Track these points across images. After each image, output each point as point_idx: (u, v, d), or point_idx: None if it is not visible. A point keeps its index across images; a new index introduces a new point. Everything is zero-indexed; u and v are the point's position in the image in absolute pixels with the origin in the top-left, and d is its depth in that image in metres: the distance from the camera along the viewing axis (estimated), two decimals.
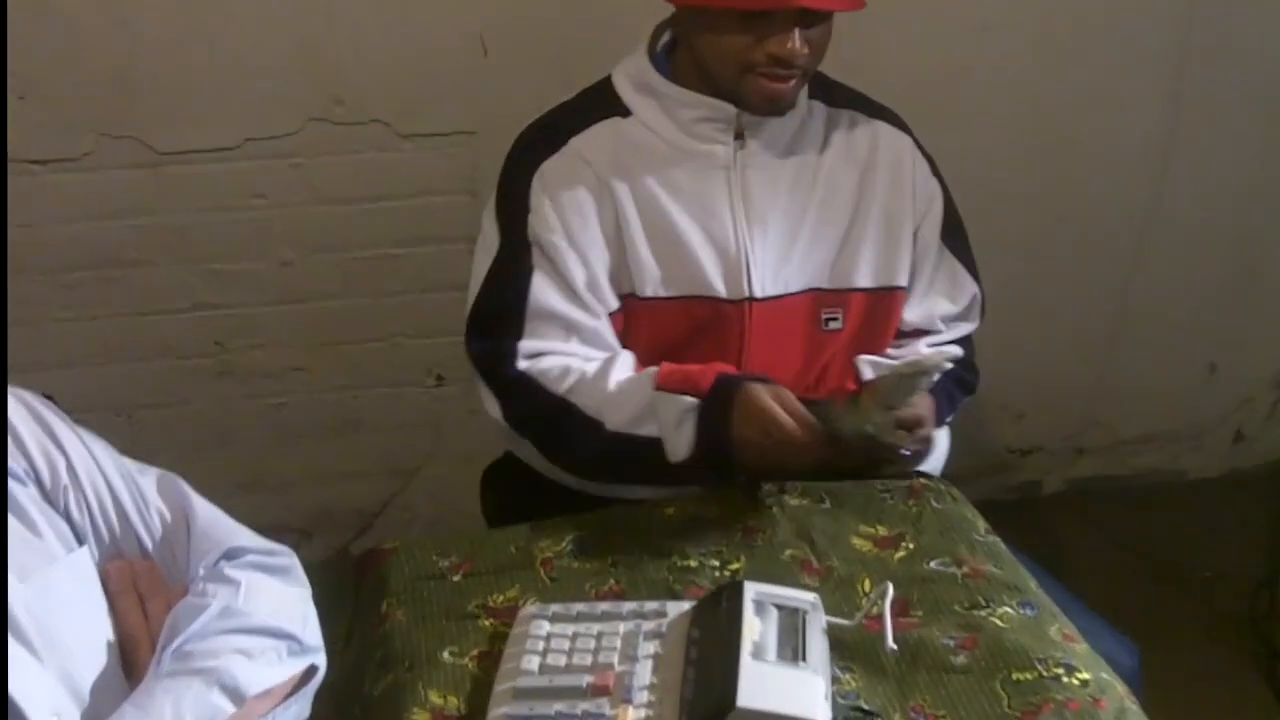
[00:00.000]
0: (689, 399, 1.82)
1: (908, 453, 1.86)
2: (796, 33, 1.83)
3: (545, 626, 1.54)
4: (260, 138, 2.83)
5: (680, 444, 1.82)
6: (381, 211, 2.94)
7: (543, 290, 1.94)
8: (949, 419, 2.11)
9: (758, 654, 1.44)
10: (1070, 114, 3.19)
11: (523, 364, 1.93)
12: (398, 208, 2.94)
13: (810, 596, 1.55)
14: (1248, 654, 3.12)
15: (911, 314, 2.11)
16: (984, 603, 1.62)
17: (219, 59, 2.74)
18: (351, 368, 3.09)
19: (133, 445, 2.93)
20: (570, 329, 1.96)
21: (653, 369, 1.90)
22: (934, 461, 2.06)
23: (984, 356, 3.25)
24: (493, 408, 1.98)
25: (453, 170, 2.89)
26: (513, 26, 2.82)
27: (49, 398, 2.84)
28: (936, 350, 2.01)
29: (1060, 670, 1.50)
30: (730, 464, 1.81)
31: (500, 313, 1.96)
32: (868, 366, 2.04)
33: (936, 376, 1.89)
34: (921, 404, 1.92)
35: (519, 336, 1.94)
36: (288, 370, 3.06)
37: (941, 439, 2.08)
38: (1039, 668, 1.50)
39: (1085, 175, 3.27)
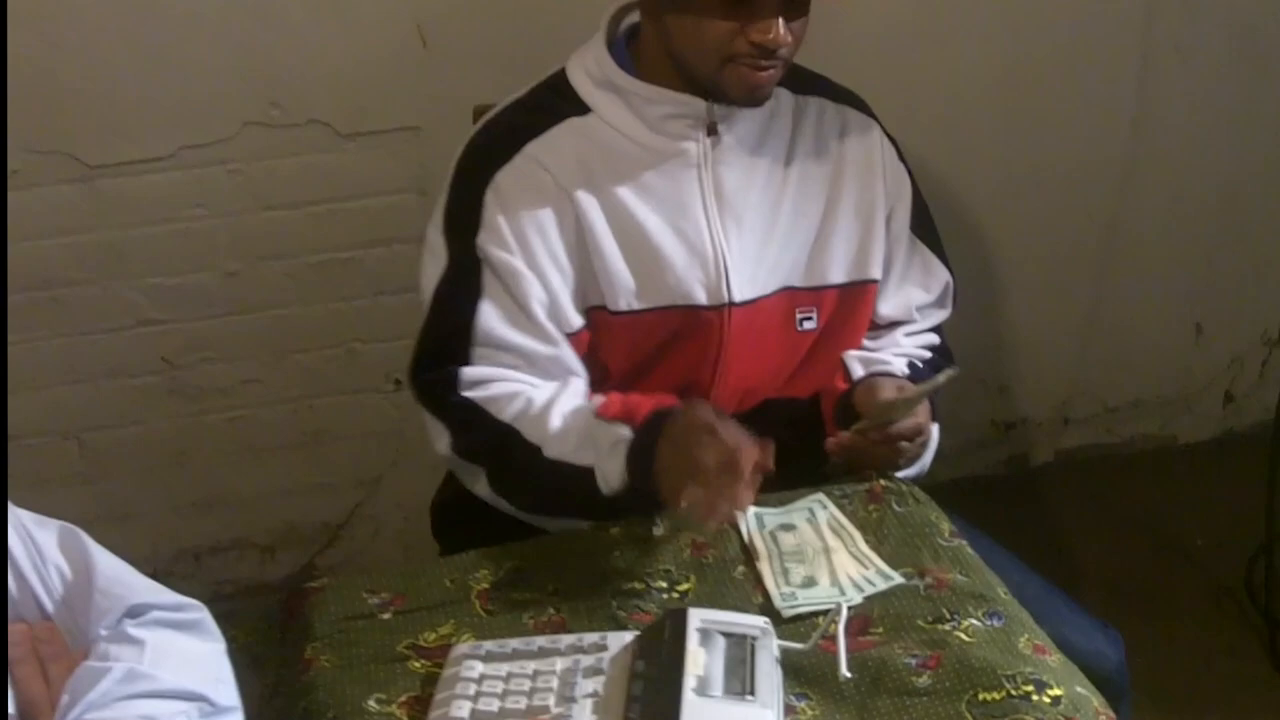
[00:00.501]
0: (622, 428, 1.73)
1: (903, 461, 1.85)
2: (780, 21, 1.72)
3: (478, 667, 1.44)
4: (195, 145, 2.71)
5: (612, 472, 1.73)
6: (328, 215, 2.83)
7: (492, 317, 1.83)
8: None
9: (702, 688, 1.34)
10: (1040, 74, 3.08)
11: (468, 392, 1.83)
12: (344, 210, 2.83)
13: (760, 621, 1.45)
14: (1247, 624, 3.03)
15: (887, 307, 2.02)
16: (948, 616, 1.53)
17: (146, 64, 2.62)
18: (307, 377, 2.98)
19: (84, 469, 2.90)
20: (522, 358, 1.85)
21: (599, 399, 1.82)
22: (925, 464, 1.96)
23: (962, 330, 3.14)
24: (440, 441, 1.87)
25: (399, 168, 2.78)
26: (452, 16, 2.70)
27: None
28: (945, 372, 1.86)
29: (1030, 687, 1.41)
30: (653, 496, 1.67)
31: (446, 341, 1.85)
32: (857, 363, 1.94)
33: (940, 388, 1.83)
34: (920, 411, 1.85)
35: (465, 363, 1.84)
36: (241, 384, 2.96)
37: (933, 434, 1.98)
38: (1007, 685, 1.41)
39: (1058, 136, 3.16)
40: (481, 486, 1.87)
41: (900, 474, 1.88)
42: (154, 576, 2.97)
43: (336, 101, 2.73)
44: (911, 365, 1.97)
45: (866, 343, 2.02)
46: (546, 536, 1.71)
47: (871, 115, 2.00)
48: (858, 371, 1.94)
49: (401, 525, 3.11)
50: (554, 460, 1.77)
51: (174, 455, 3.00)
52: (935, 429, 1.96)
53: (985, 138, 3.12)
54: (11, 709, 1.31)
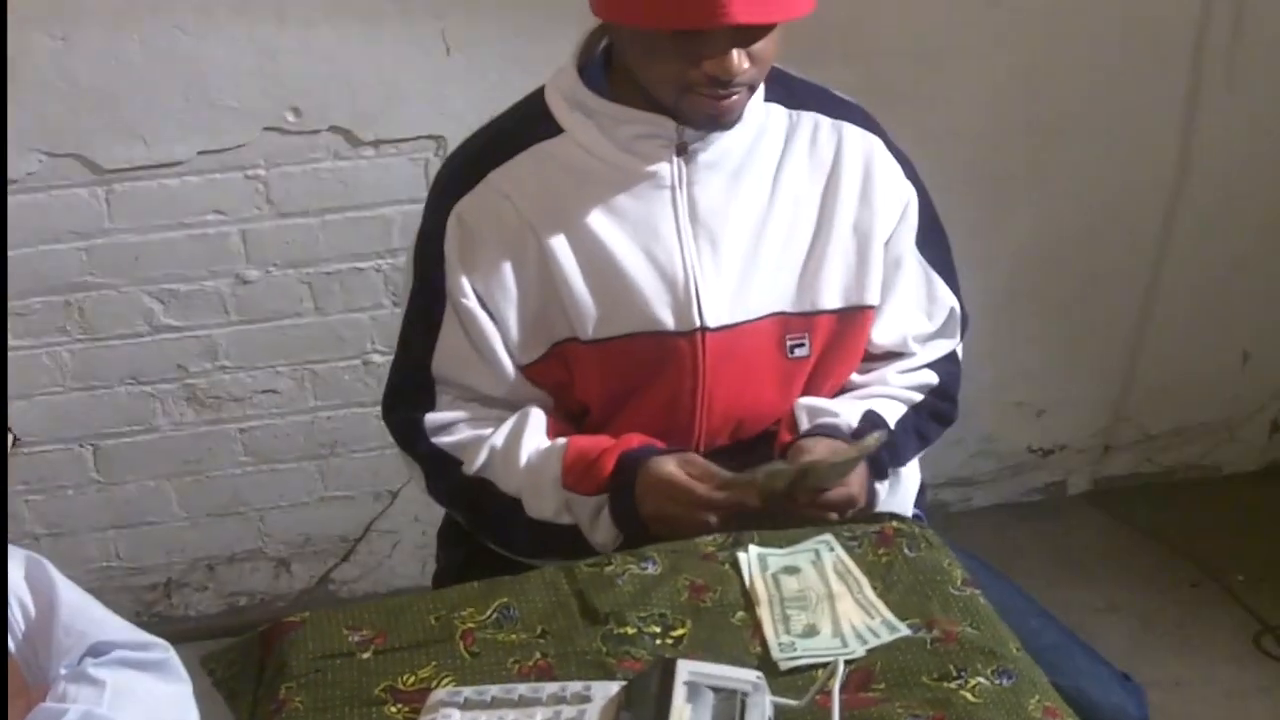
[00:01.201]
0: (598, 498, 1.74)
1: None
2: (734, 52, 1.63)
3: (455, 715, 1.37)
4: (213, 150, 2.67)
5: (603, 539, 1.76)
6: (346, 223, 2.79)
7: (449, 358, 1.82)
8: (914, 457, 1.92)
9: None
10: (1082, 89, 2.99)
11: (435, 439, 1.83)
12: (363, 218, 2.79)
13: (753, 675, 1.37)
14: None
15: (881, 335, 1.91)
16: (955, 673, 1.44)
17: (163, 68, 2.59)
18: (324, 388, 2.94)
19: (98, 477, 2.86)
20: (480, 398, 1.84)
21: (560, 445, 1.79)
22: (900, 500, 1.88)
23: (1000, 352, 3.11)
24: (417, 482, 1.89)
25: (419, 177, 2.73)
26: (475, 22, 2.65)
27: (7, 430, 2.74)
28: (873, 437, 1.78)
29: None
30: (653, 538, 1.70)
31: (409, 382, 1.85)
32: (804, 414, 1.86)
33: (871, 453, 1.74)
34: (853, 481, 1.76)
35: (429, 408, 1.83)
36: (257, 393, 2.92)
37: (912, 475, 1.90)
38: None
39: (1101, 154, 3.07)
40: (468, 527, 1.89)
41: None
42: (168, 586, 3.01)
43: (356, 108, 2.69)
44: (870, 416, 1.86)
45: (855, 377, 1.93)
46: (539, 572, 1.63)
47: (876, 130, 1.89)
48: (803, 424, 1.86)
49: (420, 540, 3.06)
50: (535, 520, 1.79)
51: (189, 464, 2.97)
52: (913, 470, 1.90)
53: (1027, 157, 3.04)
54: None
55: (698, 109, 1.70)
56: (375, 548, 3.13)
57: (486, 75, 2.63)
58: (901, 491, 1.89)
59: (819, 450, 1.76)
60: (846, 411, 1.86)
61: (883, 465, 1.84)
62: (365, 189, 2.76)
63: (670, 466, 1.71)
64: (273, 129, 2.68)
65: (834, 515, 1.74)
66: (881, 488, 1.85)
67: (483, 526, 1.86)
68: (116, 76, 2.57)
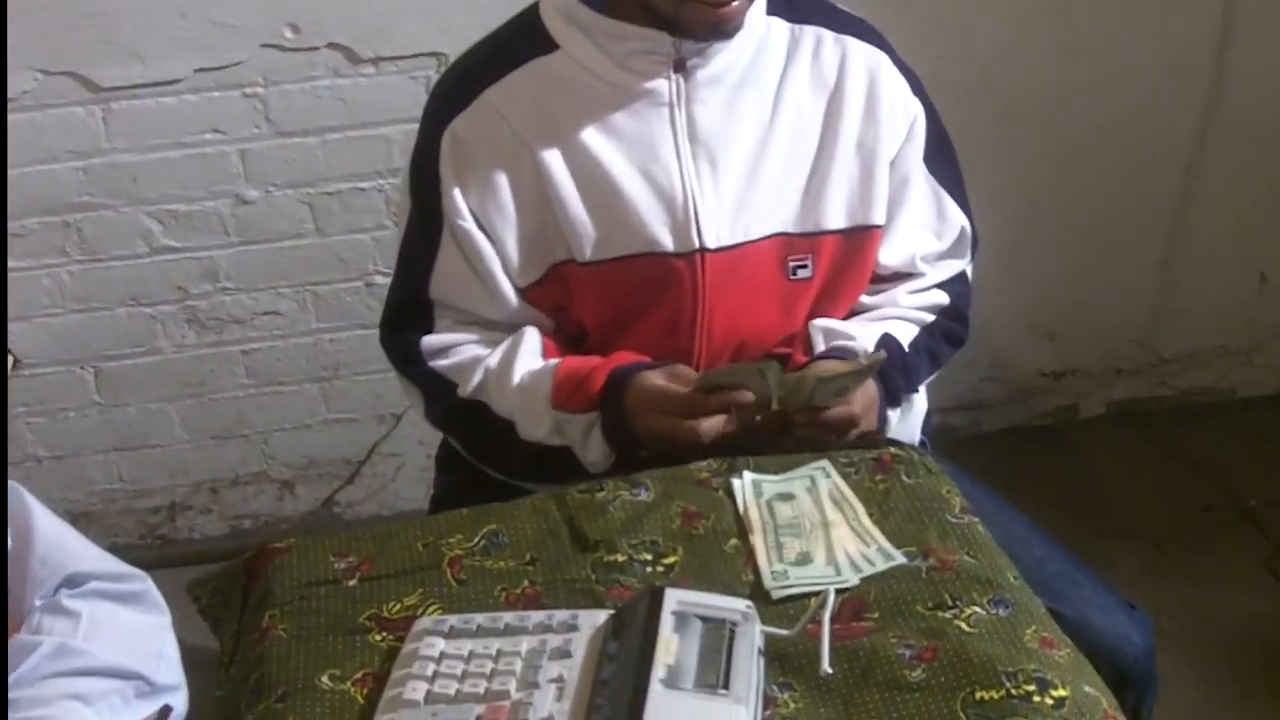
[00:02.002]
0: (588, 415, 1.71)
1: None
2: None
3: (439, 644, 1.34)
4: (210, 68, 2.64)
5: (595, 458, 1.73)
6: (347, 142, 2.76)
7: (447, 280, 1.79)
8: (927, 380, 1.88)
9: (672, 680, 1.24)
10: (1111, 7, 2.92)
11: (433, 362, 1.81)
12: (364, 137, 2.76)
13: (742, 605, 1.34)
14: None
15: (889, 255, 1.86)
16: (950, 602, 1.40)
17: None
18: (326, 310, 2.92)
19: (100, 399, 2.84)
20: (479, 320, 1.81)
21: (551, 366, 1.75)
22: (910, 426, 1.85)
23: (1012, 273, 3.06)
24: (415, 405, 1.87)
25: (420, 95, 2.68)
26: None
27: (8, 352, 2.72)
28: (872, 356, 1.74)
29: (1032, 687, 1.29)
30: (650, 458, 1.67)
31: (408, 305, 1.82)
32: (820, 335, 1.82)
33: (865, 378, 1.68)
34: (857, 400, 1.70)
35: (427, 331, 1.80)
36: (258, 315, 2.90)
37: (918, 402, 1.86)
38: (1007, 684, 1.29)
39: (1128, 74, 3.01)
40: (463, 451, 1.86)
41: None
42: (171, 509, 3.00)
43: (355, 24, 2.65)
44: (887, 340, 1.82)
45: (864, 299, 1.89)
46: (530, 498, 1.61)
47: (881, 44, 1.84)
48: (819, 345, 1.82)
49: (424, 463, 3.03)
50: (528, 441, 1.76)
51: (191, 386, 2.96)
52: (920, 398, 1.85)
53: (1045, 69, 2.97)
54: None
55: (697, 17, 1.65)
56: (379, 470, 3.12)
57: None
58: (912, 417, 1.86)
59: (821, 368, 1.72)
60: (863, 334, 1.82)
61: (897, 391, 1.80)
62: (365, 107, 2.72)
63: (657, 378, 1.68)
64: (271, 46, 2.64)
65: (833, 436, 1.70)
66: (894, 414, 1.82)
67: (478, 449, 1.84)
68: None
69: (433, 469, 2.15)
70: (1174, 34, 2.97)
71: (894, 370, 1.79)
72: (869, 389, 1.73)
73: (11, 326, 2.80)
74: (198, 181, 2.73)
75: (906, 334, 1.85)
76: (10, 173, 2.64)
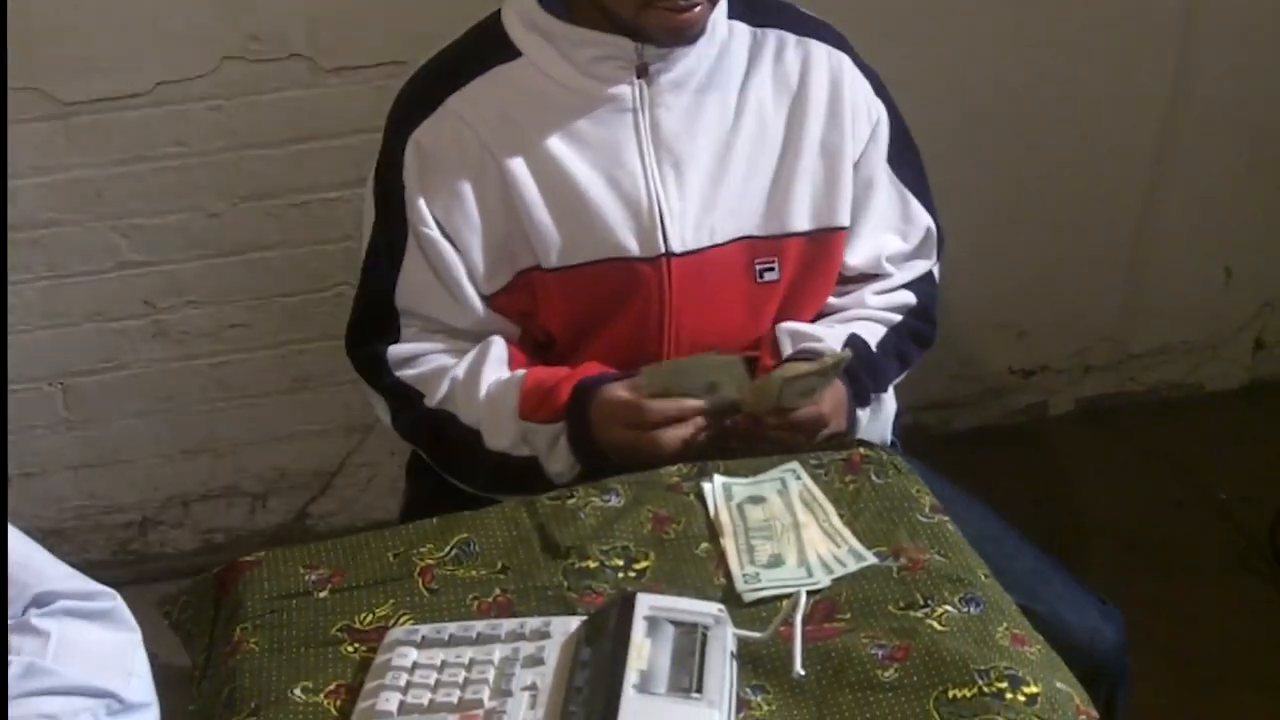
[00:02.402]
0: (554, 426, 1.71)
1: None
2: None
3: (411, 654, 1.34)
4: (173, 80, 2.62)
5: (560, 468, 1.74)
6: (312, 153, 2.74)
7: (412, 289, 1.79)
8: (896, 380, 1.89)
9: (645, 685, 1.24)
10: (1077, 6, 2.93)
11: (399, 371, 1.80)
12: (329, 148, 2.73)
13: (714, 609, 1.35)
14: (1273, 584, 2.91)
15: (855, 257, 1.87)
16: (922, 601, 1.41)
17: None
18: (294, 322, 2.90)
19: (69, 415, 2.82)
20: (445, 329, 1.81)
21: (518, 377, 1.75)
22: (880, 426, 1.85)
23: (980, 272, 3.06)
24: (382, 414, 1.86)
25: (384, 104, 2.61)
26: None
27: None
28: (837, 355, 1.75)
29: (1004, 684, 1.29)
30: (616, 469, 1.66)
31: (373, 314, 1.82)
32: (787, 339, 1.82)
33: (831, 377, 1.69)
34: (825, 400, 1.71)
35: (393, 341, 1.80)
36: (226, 328, 2.88)
37: (888, 402, 1.87)
38: (979, 682, 1.29)
39: (1092, 69, 3.02)
40: (429, 461, 1.86)
41: None
42: (142, 524, 2.98)
43: (318, 35, 2.63)
44: (853, 340, 1.83)
45: (832, 300, 1.90)
46: (501, 506, 1.60)
47: (843, 46, 1.85)
48: (786, 348, 1.82)
49: (396, 473, 2.97)
50: (494, 451, 1.76)
51: (160, 401, 2.93)
52: (889, 398, 1.86)
53: (1009, 66, 2.98)
54: None
55: (659, 23, 1.66)
56: (351, 481, 3.10)
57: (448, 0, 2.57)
58: (881, 417, 1.87)
59: (788, 369, 1.72)
60: (830, 336, 1.83)
61: (865, 391, 1.81)
62: (329, 118, 2.70)
63: (619, 390, 1.68)
64: (233, 58, 2.62)
65: (803, 437, 1.70)
66: (863, 414, 1.82)
67: (444, 459, 1.84)
68: (72, 7, 2.51)
69: (403, 479, 2.15)
70: (1136, 29, 2.98)
71: (862, 370, 1.80)
72: (837, 389, 1.74)
73: None
74: (163, 195, 2.71)
75: (874, 335, 1.85)
76: None
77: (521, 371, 1.77)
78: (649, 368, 1.70)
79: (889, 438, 1.89)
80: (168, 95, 2.63)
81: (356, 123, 2.69)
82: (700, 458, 1.66)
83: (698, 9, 1.65)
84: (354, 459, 3.08)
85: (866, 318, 1.87)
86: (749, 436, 1.69)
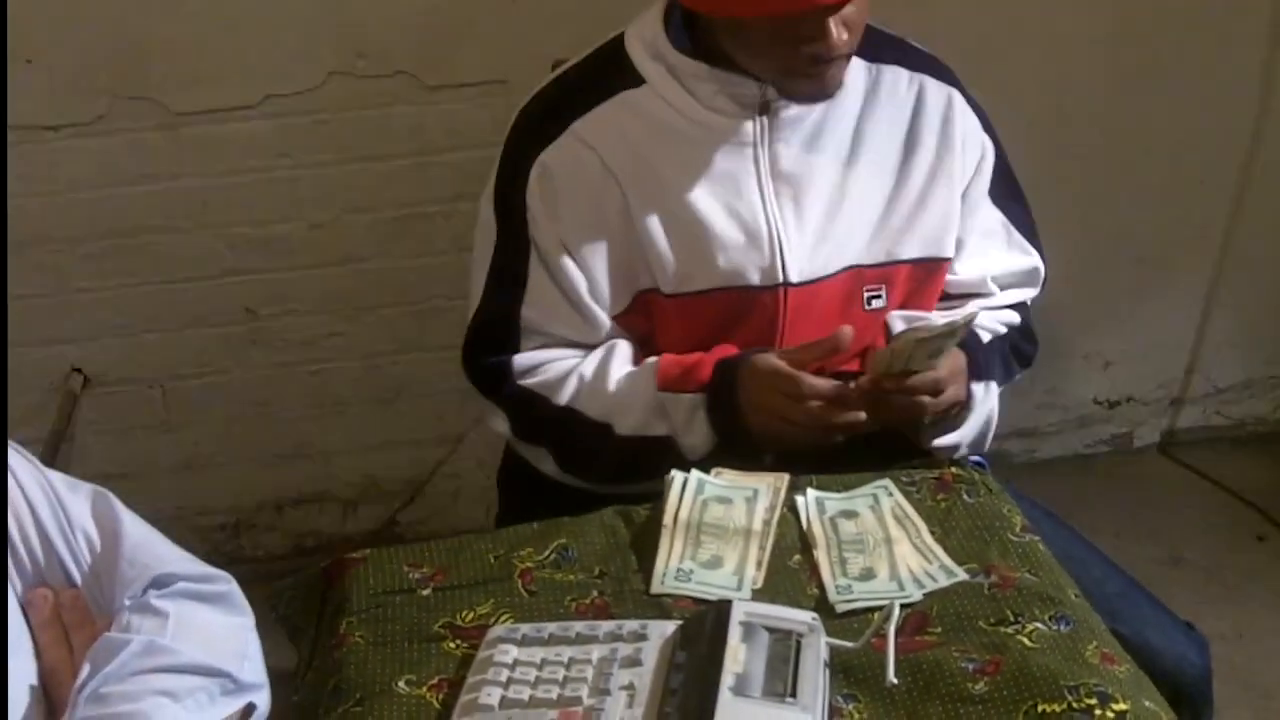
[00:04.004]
0: (694, 395, 1.73)
1: (928, 420, 1.75)
2: (831, 24, 1.60)
3: (512, 651, 1.38)
4: (281, 94, 2.68)
5: (696, 441, 1.75)
6: (413, 168, 2.79)
7: (537, 306, 1.82)
8: (1001, 385, 1.89)
9: (740, 688, 1.27)
10: (1160, 39, 2.94)
11: (523, 380, 1.83)
12: (429, 163, 2.79)
13: (808, 617, 1.37)
14: None
15: (962, 268, 1.91)
16: (1012, 618, 1.43)
17: (233, 12, 2.59)
18: (390, 333, 2.96)
19: (168, 418, 2.89)
20: (568, 342, 1.84)
21: (652, 361, 1.79)
22: (978, 429, 1.85)
23: (1068, 302, 3.07)
24: (498, 424, 1.89)
25: (484, 122, 2.72)
26: None
27: (78, 370, 2.78)
28: (968, 311, 1.78)
29: (1093, 700, 1.31)
30: (751, 445, 1.71)
31: (496, 329, 1.84)
32: (899, 321, 1.85)
33: (959, 336, 1.69)
34: (944, 366, 1.72)
35: (515, 350, 1.83)
36: (324, 337, 2.94)
37: (990, 402, 1.86)
38: (1069, 697, 1.32)
39: (1179, 102, 3.02)
40: (549, 465, 1.87)
41: (942, 442, 1.80)
42: (236, 527, 3.04)
43: (423, 53, 2.69)
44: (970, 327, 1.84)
45: (936, 312, 1.92)
46: (599, 514, 1.64)
47: (953, 82, 1.88)
48: (897, 328, 1.85)
49: (484, 483, 3.07)
50: (626, 436, 1.78)
51: (256, 406, 3.00)
52: (980, 389, 1.83)
53: (1094, 101, 2.99)
54: (32, 675, 1.27)
55: (803, 89, 1.71)
56: (440, 490, 3.16)
57: (552, 21, 2.62)
58: (984, 419, 1.85)
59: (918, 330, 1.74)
60: (941, 320, 1.85)
61: (980, 367, 1.81)
62: (430, 134, 2.76)
63: (773, 361, 1.70)
64: (339, 73, 2.68)
65: (923, 404, 1.72)
66: (978, 389, 1.82)
67: (571, 457, 1.85)
68: (187, 21, 2.58)
69: (492, 490, 2.18)
70: (1222, 61, 2.98)
71: (977, 351, 1.82)
72: (956, 358, 1.76)
73: (83, 346, 2.85)
74: (266, 205, 2.78)
75: (983, 335, 1.87)
76: (84, 195, 2.70)
77: (655, 358, 1.80)
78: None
79: (987, 446, 1.89)
80: (275, 108, 2.69)
81: (456, 140, 2.75)
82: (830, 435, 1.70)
83: (835, 68, 1.69)
84: (444, 469, 3.13)
85: (976, 323, 1.88)
86: (870, 404, 1.70)
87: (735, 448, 1.73)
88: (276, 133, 2.72)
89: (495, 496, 2.17)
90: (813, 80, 1.68)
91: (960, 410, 1.80)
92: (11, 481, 1.32)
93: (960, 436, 1.82)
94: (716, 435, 1.75)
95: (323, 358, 2.96)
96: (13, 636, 1.27)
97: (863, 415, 1.68)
